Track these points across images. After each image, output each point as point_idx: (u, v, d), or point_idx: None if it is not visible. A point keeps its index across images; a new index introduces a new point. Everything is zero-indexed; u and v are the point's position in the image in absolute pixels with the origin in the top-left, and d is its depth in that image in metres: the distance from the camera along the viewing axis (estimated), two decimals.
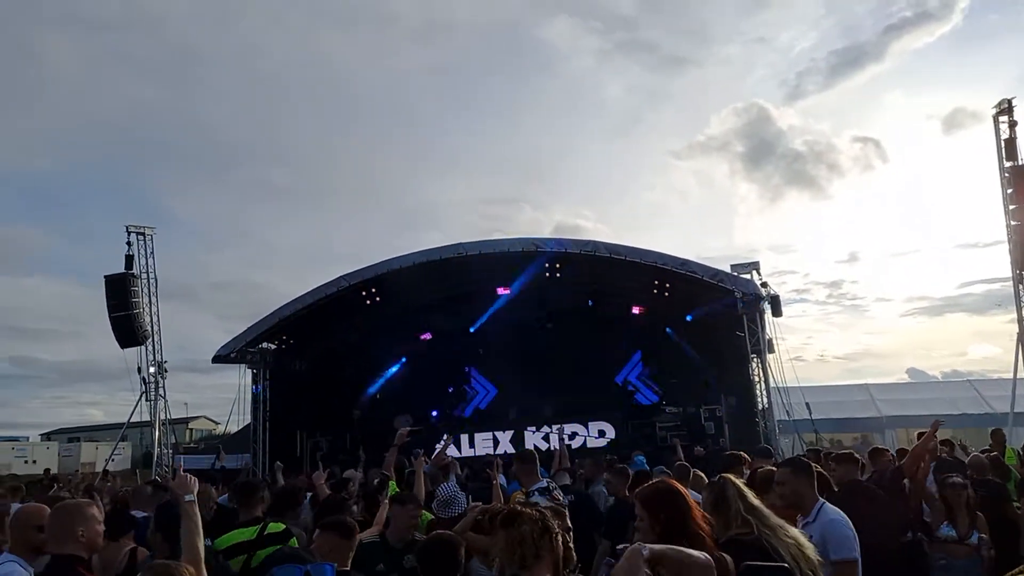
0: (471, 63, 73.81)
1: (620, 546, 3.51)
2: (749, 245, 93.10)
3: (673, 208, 70.75)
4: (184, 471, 3.19)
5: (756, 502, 3.11)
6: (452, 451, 17.44)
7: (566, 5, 70.68)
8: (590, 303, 18.88)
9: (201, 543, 2.93)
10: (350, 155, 75.91)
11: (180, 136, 72.97)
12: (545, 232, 58.03)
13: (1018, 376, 15.00)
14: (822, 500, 3.80)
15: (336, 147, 73.65)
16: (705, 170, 70.21)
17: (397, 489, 5.98)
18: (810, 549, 2.90)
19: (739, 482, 3.23)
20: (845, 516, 3.64)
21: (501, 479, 7.27)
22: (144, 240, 17.56)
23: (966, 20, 57.79)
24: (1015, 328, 14.88)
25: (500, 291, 18.30)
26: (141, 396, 18.28)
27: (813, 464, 4.10)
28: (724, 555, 2.89)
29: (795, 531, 3.00)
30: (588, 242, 15.71)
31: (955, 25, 61.89)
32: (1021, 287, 14.57)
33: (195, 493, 3.09)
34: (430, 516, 5.25)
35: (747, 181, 75.48)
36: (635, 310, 18.29)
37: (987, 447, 9.51)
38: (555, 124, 74.84)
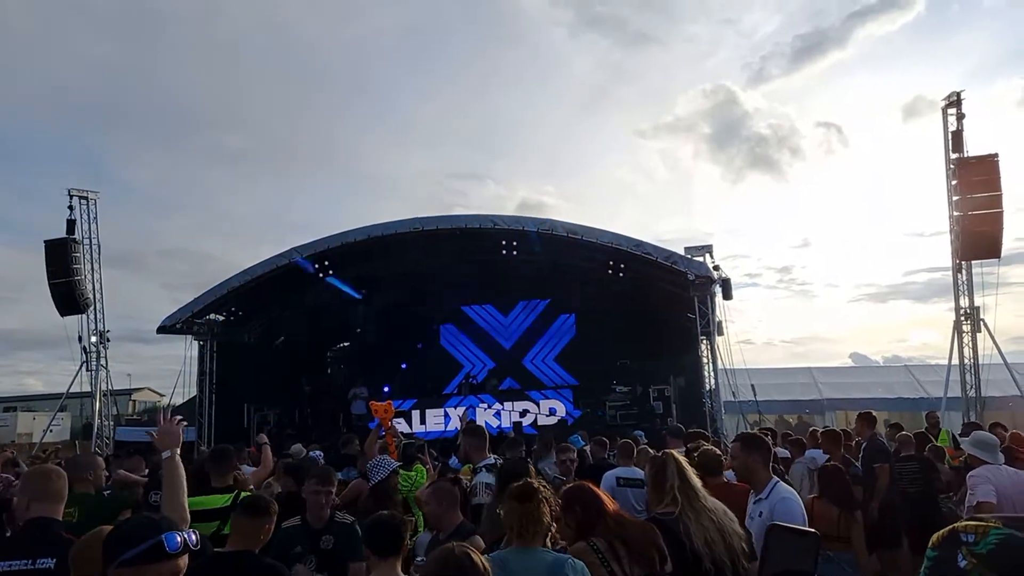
0: (438, 31, 72.74)
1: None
2: (707, 227, 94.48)
3: (637, 187, 71.38)
4: (173, 421, 3.03)
5: (693, 480, 3.19)
6: (403, 427, 17.41)
7: None
8: (545, 281, 18.94)
9: (184, 500, 2.84)
10: (311, 123, 74.49)
11: (134, 99, 70.40)
12: (508, 208, 57.93)
13: (952, 363, 15.62)
14: (776, 479, 3.81)
15: (297, 115, 72.17)
16: (670, 150, 70.81)
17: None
18: (736, 538, 2.98)
19: (681, 459, 3.30)
20: (797, 496, 3.67)
21: (452, 460, 7.25)
22: (87, 205, 16.98)
23: (928, 9, 59.20)
24: (953, 316, 15.49)
25: (455, 267, 18.21)
26: (81, 366, 17.82)
27: (767, 442, 4.15)
28: (652, 526, 2.98)
29: (724, 519, 3.07)
30: (545, 220, 15.67)
31: (918, 14, 63.29)
32: (960, 276, 15.14)
33: (178, 448, 2.96)
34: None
35: (711, 163, 76.48)
36: (589, 289, 18.41)
37: (922, 430, 9.88)
38: (522, 97, 74.61)
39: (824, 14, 63.91)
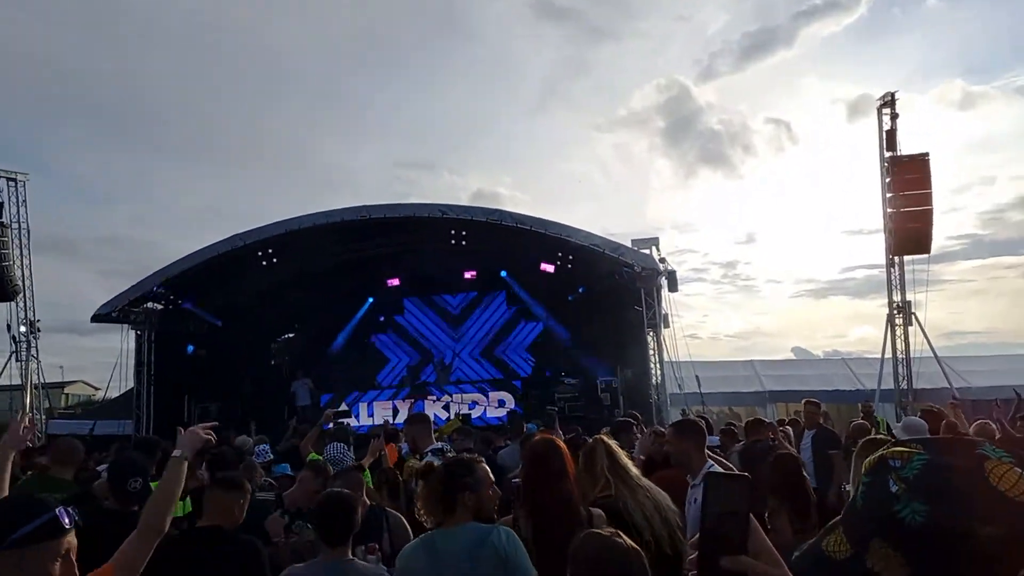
0: (392, 24, 71.73)
1: (514, 478, 3.62)
2: (657, 221, 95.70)
3: (591, 180, 71.65)
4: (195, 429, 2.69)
5: (624, 462, 3.30)
6: (351, 420, 17.19)
7: None
8: (497, 272, 18.95)
9: (169, 511, 2.44)
10: (261, 114, 72.75)
11: (72, 86, 67.44)
12: (463, 199, 57.72)
13: (885, 356, 16.18)
14: (711, 463, 3.88)
15: (246, 106, 70.43)
16: (625, 144, 71.39)
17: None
18: (671, 512, 3.09)
19: (611, 442, 3.42)
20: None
21: (404, 447, 7.17)
22: (16, 187, 16.26)
23: (871, 11, 61.40)
24: (887, 311, 16.03)
25: (402, 257, 18.05)
26: (11, 356, 17.17)
27: (700, 425, 4.21)
28: (597, 510, 3.02)
29: (659, 495, 3.18)
30: (494, 210, 15.67)
31: (861, 15, 65.35)
32: (892, 272, 15.68)
33: (192, 451, 2.64)
34: None
35: (664, 157, 77.43)
36: (538, 280, 18.47)
37: (858, 418, 10.20)
38: (477, 91, 74.28)
39: (771, 13, 65.30)
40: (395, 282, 19.62)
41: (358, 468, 4.89)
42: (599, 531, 2.26)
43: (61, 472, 4.38)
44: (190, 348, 18.21)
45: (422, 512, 2.91)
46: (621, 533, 2.17)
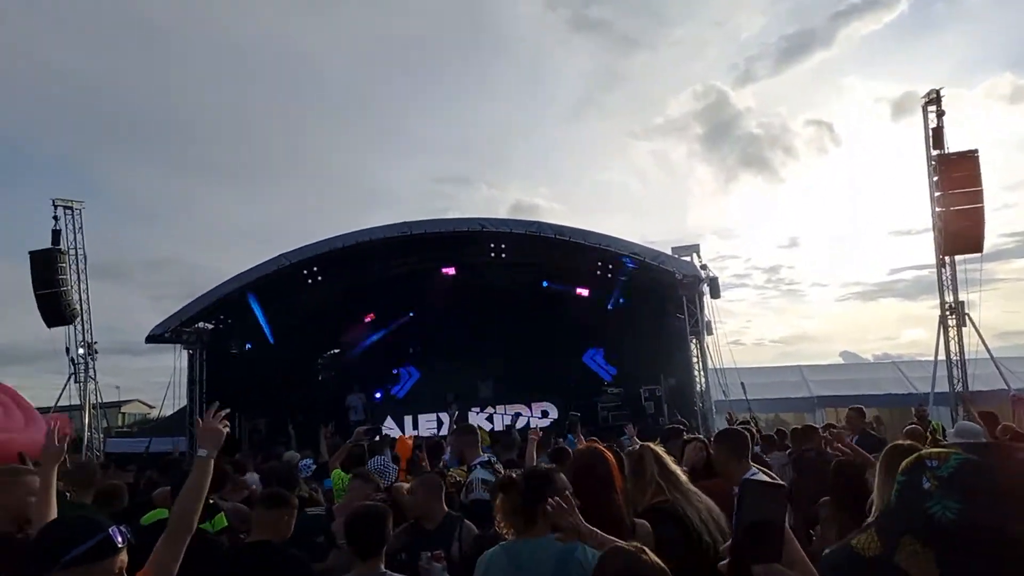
0: (428, 41, 72.43)
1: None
2: (697, 228, 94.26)
3: (629, 189, 70.94)
4: (213, 417, 2.69)
5: (673, 468, 3.30)
6: (394, 432, 17.37)
7: None
8: (537, 284, 18.97)
9: (196, 510, 2.47)
10: (303, 133, 73.77)
11: (122, 110, 69.48)
12: (501, 211, 57.88)
13: (939, 358, 15.72)
14: (754, 470, 3.85)
15: (289, 125, 71.58)
16: (663, 151, 70.50)
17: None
18: (721, 518, 3.09)
19: (658, 448, 3.41)
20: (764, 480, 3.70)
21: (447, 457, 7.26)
22: (72, 215, 16.89)
23: (912, 7, 59.44)
24: (939, 312, 15.59)
25: (445, 270, 18.20)
26: (69, 378, 17.68)
27: (742, 433, 4.17)
28: (641, 521, 3.03)
29: (709, 501, 3.19)
30: (533, 222, 15.74)
31: (901, 12, 63.36)
32: (944, 272, 15.25)
33: (216, 449, 2.62)
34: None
35: (703, 163, 76.22)
36: (579, 291, 18.45)
37: (912, 422, 9.97)
38: (511, 103, 74.25)
39: (808, 14, 63.83)
40: (437, 295, 19.76)
41: (439, 474, 4.94)
42: (624, 546, 2.24)
43: (80, 496, 4.33)
44: (238, 349, 18.70)
45: (501, 524, 2.92)
46: (647, 549, 2.16)
